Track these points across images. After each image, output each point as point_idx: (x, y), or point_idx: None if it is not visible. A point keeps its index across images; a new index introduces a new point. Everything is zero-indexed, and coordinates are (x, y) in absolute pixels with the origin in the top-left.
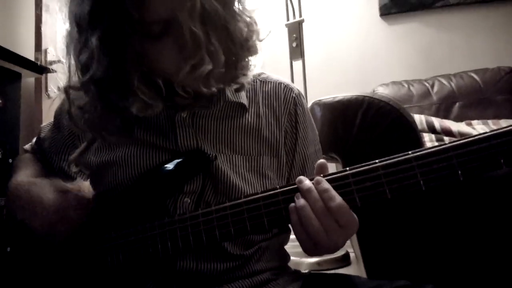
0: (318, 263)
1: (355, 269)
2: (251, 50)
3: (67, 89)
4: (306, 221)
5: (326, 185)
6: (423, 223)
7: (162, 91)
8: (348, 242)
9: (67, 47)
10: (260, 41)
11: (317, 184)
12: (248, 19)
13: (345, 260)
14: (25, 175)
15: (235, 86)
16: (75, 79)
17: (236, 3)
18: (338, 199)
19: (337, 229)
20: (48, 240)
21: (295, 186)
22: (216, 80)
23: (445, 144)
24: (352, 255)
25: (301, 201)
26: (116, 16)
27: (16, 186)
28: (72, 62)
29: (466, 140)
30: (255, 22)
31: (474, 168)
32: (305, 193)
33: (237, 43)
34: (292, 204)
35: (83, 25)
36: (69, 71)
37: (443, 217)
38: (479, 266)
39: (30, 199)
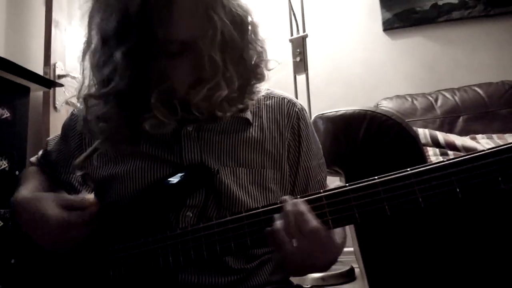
0: (322, 278)
1: (360, 285)
2: (259, 77)
3: (86, 97)
4: (281, 244)
5: (302, 207)
6: (427, 238)
7: (178, 112)
8: (353, 257)
9: (90, 57)
10: (269, 70)
11: (294, 206)
12: (259, 48)
13: (350, 276)
14: (30, 189)
15: (240, 107)
16: (92, 89)
17: (250, 32)
18: (312, 222)
19: (312, 251)
20: (52, 252)
21: (297, 200)
22: (230, 104)
23: (444, 161)
24: (357, 270)
25: (277, 224)
26: (142, 34)
27: (21, 201)
28: (90, 72)
29: (465, 157)
30: (266, 51)
31: (472, 186)
32: (282, 217)
33: (249, 70)
34: (268, 228)
35: (109, 39)
36: (83, 80)
37: (447, 233)
38: (484, 283)
39: (33, 215)
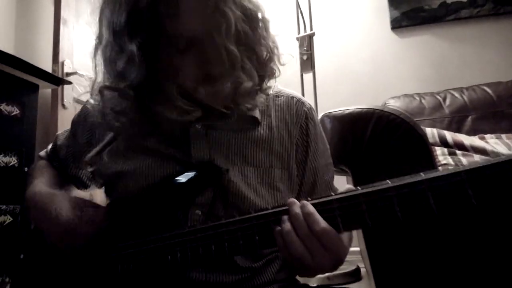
0: (328, 277)
1: (366, 285)
2: (272, 73)
3: (102, 90)
4: (290, 245)
5: (310, 209)
6: (435, 238)
7: (198, 102)
8: (359, 256)
9: (102, 52)
10: (282, 65)
11: (302, 207)
12: (271, 43)
13: (355, 275)
14: (44, 184)
15: (249, 106)
16: (106, 83)
17: (261, 28)
18: (322, 223)
19: (322, 252)
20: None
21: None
22: (252, 98)
23: (459, 167)
24: (363, 270)
25: (287, 226)
26: (152, 28)
27: (34, 196)
28: (102, 67)
29: (481, 164)
30: (277, 47)
31: (488, 193)
32: (291, 218)
33: (262, 65)
34: (278, 228)
35: (120, 33)
36: (96, 75)
37: (455, 232)
38: (493, 283)
39: (44, 211)
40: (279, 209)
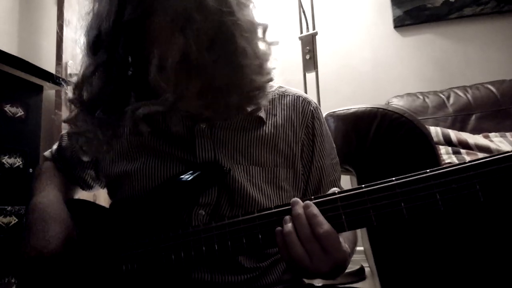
0: None
1: (370, 284)
2: (261, 83)
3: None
4: (290, 246)
5: (315, 210)
6: (440, 237)
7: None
8: (363, 256)
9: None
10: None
11: (306, 208)
12: (260, 51)
13: (359, 275)
14: (49, 192)
15: (252, 108)
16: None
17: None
18: (326, 225)
19: (321, 255)
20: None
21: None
22: (237, 108)
23: (466, 163)
24: (367, 269)
25: (288, 226)
26: (113, 52)
27: (33, 207)
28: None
29: (488, 159)
30: (266, 53)
31: (496, 189)
32: (294, 219)
33: (246, 77)
34: (279, 228)
35: (92, 47)
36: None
37: (460, 231)
38: (498, 282)
39: (39, 226)
40: (282, 209)
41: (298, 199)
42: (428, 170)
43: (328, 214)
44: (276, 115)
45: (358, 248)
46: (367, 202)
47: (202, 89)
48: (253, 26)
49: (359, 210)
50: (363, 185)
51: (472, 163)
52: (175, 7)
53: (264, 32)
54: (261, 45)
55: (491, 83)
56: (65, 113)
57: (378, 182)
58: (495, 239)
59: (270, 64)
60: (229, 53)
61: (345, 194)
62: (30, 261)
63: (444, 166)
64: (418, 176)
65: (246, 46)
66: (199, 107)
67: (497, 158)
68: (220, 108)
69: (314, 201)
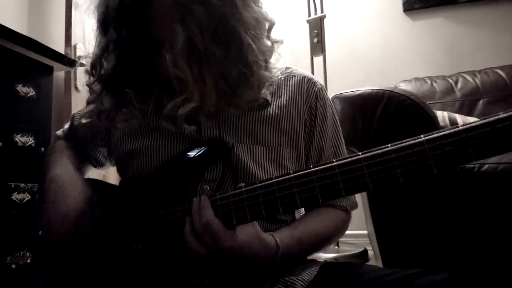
0: (335, 258)
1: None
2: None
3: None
4: (186, 236)
5: (205, 202)
6: (444, 220)
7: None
8: (367, 239)
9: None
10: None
11: (199, 202)
12: (265, 46)
13: (363, 257)
14: (64, 166)
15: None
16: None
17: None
18: (207, 216)
19: (212, 247)
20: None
21: (309, 170)
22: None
23: (458, 126)
24: (370, 252)
25: (187, 218)
26: (120, 30)
27: (52, 178)
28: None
29: (481, 122)
30: (271, 50)
31: (488, 150)
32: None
33: (245, 74)
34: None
35: (101, 26)
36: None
37: (464, 214)
38: (501, 262)
39: (58, 200)
40: (283, 178)
41: (195, 199)
42: (422, 136)
43: (326, 181)
44: (281, 96)
45: (362, 232)
46: (364, 168)
47: (219, 84)
48: (258, 24)
49: (356, 176)
50: (359, 152)
51: (465, 126)
52: None
53: (269, 29)
54: (267, 42)
55: (501, 67)
56: (74, 95)
57: (375, 148)
58: (499, 221)
59: (274, 59)
60: (236, 48)
61: (342, 161)
62: (54, 225)
63: (439, 130)
64: (412, 141)
65: (252, 43)
66: (222, 103)
67: (487, 121)
68: (242, 103)
69: (313, 168)
